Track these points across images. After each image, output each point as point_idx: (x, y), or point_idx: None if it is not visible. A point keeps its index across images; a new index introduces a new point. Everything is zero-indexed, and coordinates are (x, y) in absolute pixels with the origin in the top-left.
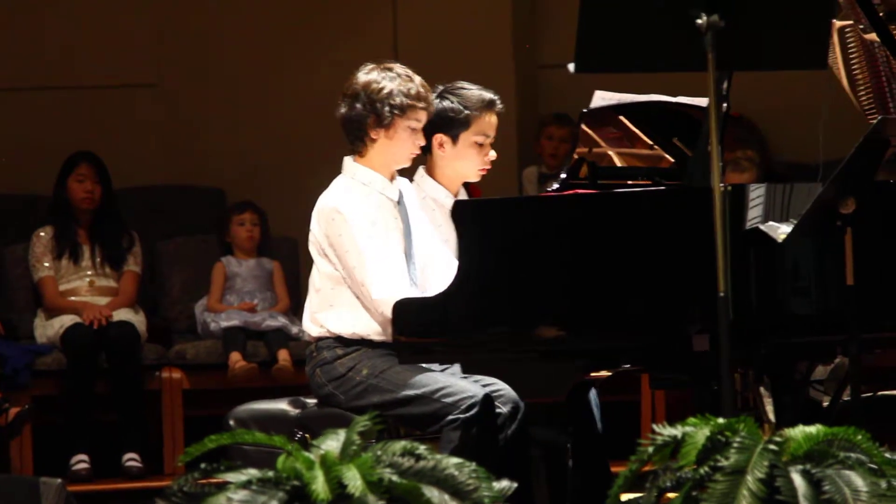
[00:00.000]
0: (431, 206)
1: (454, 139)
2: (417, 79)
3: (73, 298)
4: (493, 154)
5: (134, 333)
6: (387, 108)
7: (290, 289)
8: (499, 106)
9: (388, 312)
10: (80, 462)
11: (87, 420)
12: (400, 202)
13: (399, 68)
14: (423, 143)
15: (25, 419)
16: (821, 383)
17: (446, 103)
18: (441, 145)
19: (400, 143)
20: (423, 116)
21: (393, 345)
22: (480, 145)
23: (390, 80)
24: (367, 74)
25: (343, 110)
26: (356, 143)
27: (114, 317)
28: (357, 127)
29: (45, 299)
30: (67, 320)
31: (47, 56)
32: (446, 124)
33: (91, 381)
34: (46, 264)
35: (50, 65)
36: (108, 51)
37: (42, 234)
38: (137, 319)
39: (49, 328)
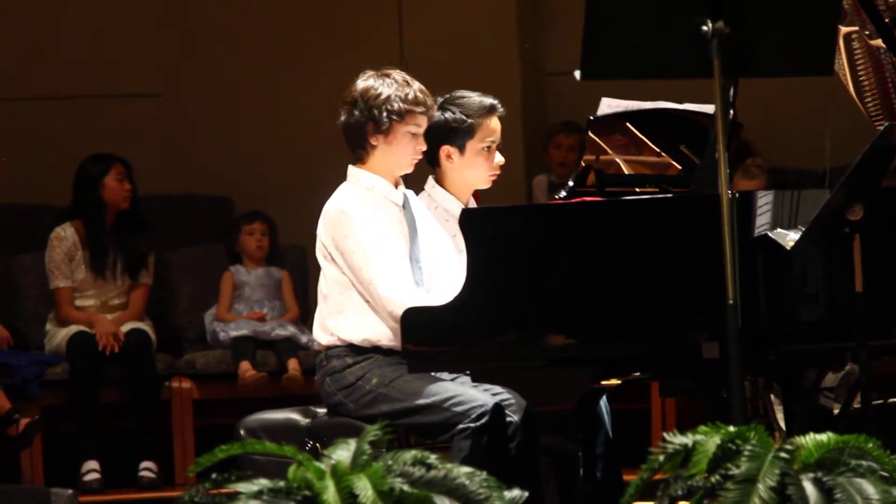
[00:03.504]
0: (444, 216)
1: (461, 149)
2: (416, 84)
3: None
4: (500, 158)
5: (147, 341)
6: (385, 114)
7: (299, 298)
8: (500, 110)
9: (395, 310)
10: (91, 472)
11: (96, 429)
12: (405, 206)
13: (397, 74)
14: (424, 147)
15: (36, 429)
16: (831, 391)
17: (448, 114)
18: (449, 157)
19: (400, 148)
20: (422, 121)
21: (403, 353)
22: (488, 150)
23: (388, 86)
24: (365, 81)
25: (343, 118)
26: (357, 150)
27: (123, 329)
28: (357, 134)
29: (59, 310)
30: (73, 329)
31: (54, 66)
32: (451, 135)
33: (96, 390)
34: (65, 273)
35: (57, 75)
36: (114, 61)
37: (63, 235)
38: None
39: (55, 337)
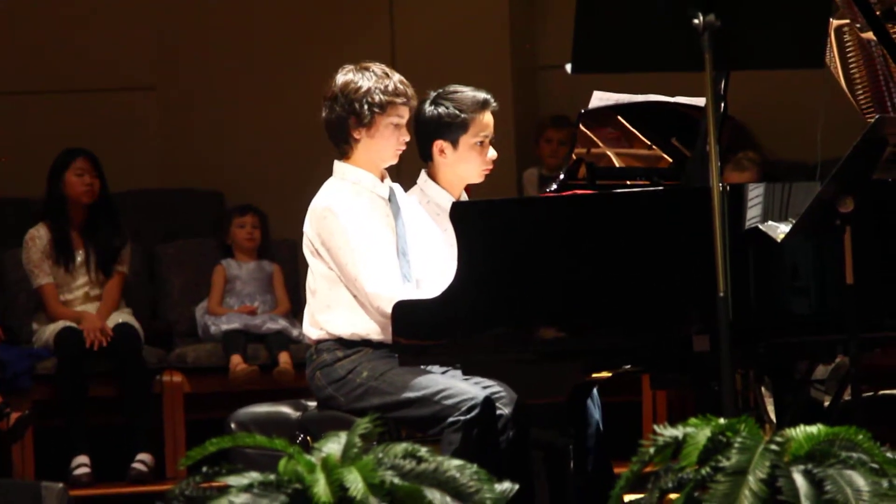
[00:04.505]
0: (435, 210)
1: (454, 144)
2: (396, 75)
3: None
4: (493, 153)
5: (134, 334)
6: (366, 107)
7: (290, 291)
8: (493, 104)
9: (383, 306)
10: (81, 466)
11: (85, 423)
12: (391, 200)
13: (376, 67)
14: (407, 138)
15: (27, 423)
16: (821, 383)
17: (441, 109)
18: (442, 151)
19: (383, 140)
20: (404, 112)
21: (393, 346)
22: (481, 145)
23: (367, 79)
24: (345, 76)
25: (325, 113)
26: (341, 144)
27: (110, 323)
28: (339, 129)
29: (47, 308)
30: (60, 325)
31: (46, 59)
32: (445, 130)
33: (84, 385)
34: (45, 271)
35: (49, 68)
36: (106, 54)
37: (37, 235)
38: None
39: (43, 334)
